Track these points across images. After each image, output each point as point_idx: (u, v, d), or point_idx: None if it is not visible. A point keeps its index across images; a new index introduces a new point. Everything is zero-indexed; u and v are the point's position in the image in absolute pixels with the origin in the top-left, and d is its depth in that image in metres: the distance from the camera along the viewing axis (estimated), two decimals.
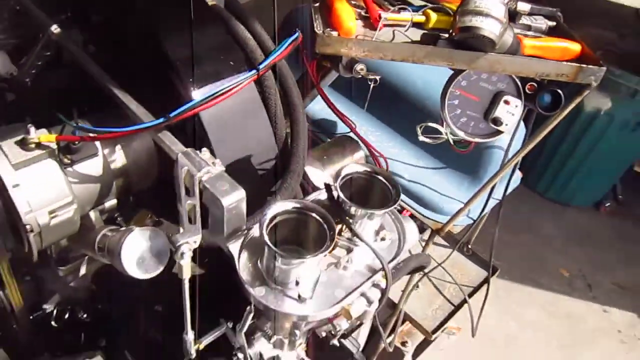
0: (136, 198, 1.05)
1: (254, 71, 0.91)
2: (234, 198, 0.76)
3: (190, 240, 0.69)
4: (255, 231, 0.84)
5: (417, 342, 2.15)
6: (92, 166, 0.94)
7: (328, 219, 0.77)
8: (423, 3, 1.13)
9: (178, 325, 0.96)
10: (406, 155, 1.89)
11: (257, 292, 0.76)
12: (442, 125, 1.25)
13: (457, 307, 2.05)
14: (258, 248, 0.82)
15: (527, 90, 1.15)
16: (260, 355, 0.87)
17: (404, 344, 2.07)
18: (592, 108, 2.80)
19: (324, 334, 0.92)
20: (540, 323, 2.67)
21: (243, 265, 0.80)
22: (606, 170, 3.09)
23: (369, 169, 0.89)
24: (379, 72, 1.18)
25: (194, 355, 0.83)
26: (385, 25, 1.07)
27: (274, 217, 0.78)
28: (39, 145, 0.86)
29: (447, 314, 2.02)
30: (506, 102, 1.14)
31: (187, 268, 0.70)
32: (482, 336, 2.41)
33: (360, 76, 1.15)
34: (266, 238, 0.73)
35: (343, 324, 0.89)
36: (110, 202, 1.00)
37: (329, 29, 1.03)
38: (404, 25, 1.10)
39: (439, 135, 1.27)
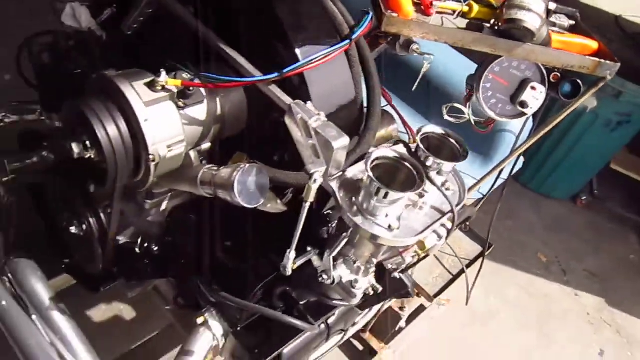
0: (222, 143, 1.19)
1: (347, 41, 1.07)
2: (341, 142, 0.92)
3: (319, 170, 0.85)
4: (348, 173, 1.00)
5: (413, 308, 2.35)
6: (199, 111, 1.08)
7: (418, 167, 0.94)
8: None
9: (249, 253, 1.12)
10: None
11: (357, 221, 0.92)
12: (466, 107, 1.44)
13: (455, 277, 2.25)
14: (351, 186, 0.98)
15: (551, 79, 1.34)
16: (340, 278, 1.04)
17: (401, 308, 2.27)
18: (579, 105, 3.04)
19: (389, 266, 1.10)
20: (518, 301, 2.91)
21: (341, 200, 0.96)
22: (585, 166, 3.34)
23: (443, 132, 1.06)
24: (406, 56, 1.35)
25: (289, 273, 0.98)
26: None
27: (374, 159, 0.94)
28: (163, 88, 1.00)
29: (445, 282, 2.22)
30: (533, 88, 1.31)
31: (314, 192, 0.86)
32: (466, 309, 2.64)
33: (415, 54, 1.32)
34: (370, 174, 0.90)
35: (407, 259, 1.07)
36: (206, 145, 1.14)
37: (389, 11, 1.19)
38: (448, 13, 1.26)
39: (461, 115, 1.46)
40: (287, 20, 1.03)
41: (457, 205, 1.04)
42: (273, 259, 1.18)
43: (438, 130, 1.06)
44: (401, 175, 0.97)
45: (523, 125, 1.84)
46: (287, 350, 1.19)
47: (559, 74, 1.33)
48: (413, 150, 1.04)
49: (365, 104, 1.17)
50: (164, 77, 0.98)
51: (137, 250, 1.25)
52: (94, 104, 0.97)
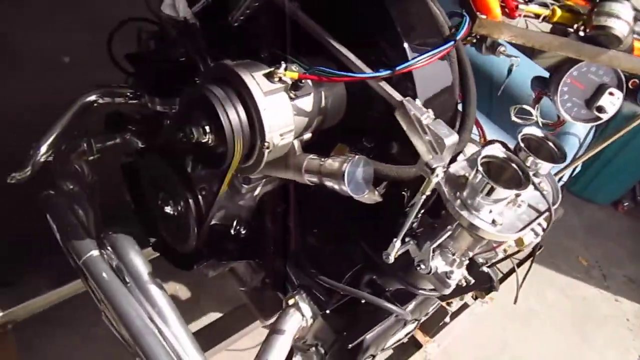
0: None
1: (453, 42, 1.11)
2: (452, 139, 0.97)
3: (440, 164, 0.90)
4: (451, 169, 1.05)
5: (460, 304, 2.40)
6: (306, 103, 1.13)
7: (523, 167, 0.99)
8: None
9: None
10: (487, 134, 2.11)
11: (465, 215, 0.97)
12: (534, 108, 1.48)
13: (506, 276, 2.29)
14: (454, 182, 1.03)
15: (629, 86, 1.37)
16: (436, 268, 1.09)
17: (449, 304, 2.31)
18: (627, 110, 3.04)
19: (481, 260, 1.15)
20: (558, 303, 2.94)
21: (448, 194, 1.01)
22: (629, 172, 3.34)
23: (542, 135, 1.10)
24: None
25: (392, 261, 1.04)
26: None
27: (483, 157, 0.99)
28: (280, 79, 1.05)
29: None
30: (611, 94, 1.35)
31: (433, 186, 0.91)
32: (506, 308, 2.68)
33: (501, 56, 1.37)
34: (482, 172, 0.95)
35: (500, 254, 1.12)
36: (307, 136, 1.19)
37: (478, 13, 1.23)
38: (530, 17, 1.29)
39: (528, 117, 1.50)
40: (398, 19, 1.08)
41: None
42: (362, 246, 1.24)
43: (538, 132, 1.10)
44: (506, 175, 1.01)
45: (589, 130, 1.87)
46: (369, 335, 1.24)
47: (637, 81, 1.36)
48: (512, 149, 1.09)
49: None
50: (282, 69, 1.03)
51: (232, 232, 1.31)
52: (217, 92, 1.03)
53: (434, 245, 1.05)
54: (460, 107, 1.23)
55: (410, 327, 1.42)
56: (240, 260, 1.44)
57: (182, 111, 1.09)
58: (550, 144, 1.10)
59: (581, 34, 1.31)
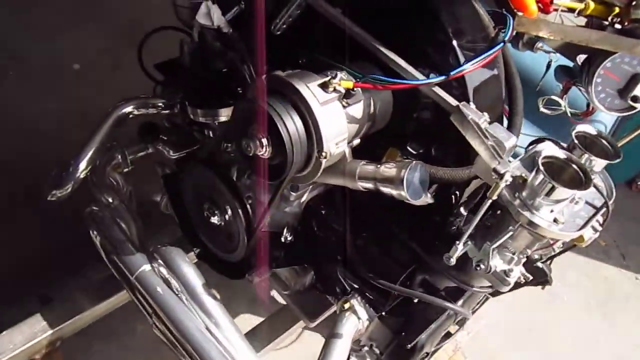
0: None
1: (502, 43, 1.12)
2: (512, 142, 0.98)
3: (509, 169, 0.91)
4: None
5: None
6: (357, 110, 1.14)
7: (584, 167, 1.00)
8: None
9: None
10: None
11: (527, 215, 0.99)
12: (562, 99, 1.50)
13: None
14: (512, 183, 1.04)
15: None
16: (495, 267, 1.10)
17: None
18: None
19: (536, 257, 1.16)
20: (579, 284, 2.97)
21: (508, 195, 1.02)
22: None
23: (595, 132, 1.11)
24: None
25: (454, 262, 1.05)
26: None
27: (544, 158, 1.00)
28: (334, 89, 1.06)
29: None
30: None
31: (500, 190, 0.92)
32: (531, 293, 2.70)
33: (539, 52, 1.38)
34: (544, 173, 0.96)
35: (557, 250, 1.14)
36: (356, 141, 1.20)
37: (516, 10, 1.23)
38: (563, 10, 1.29)
39: (556, 107, 1.51)
40: (449, 23, 1.08)
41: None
42: (411, 246, 1.26)
43: (592, 130, 1.11)
44: (565, 175, 1.02)
45: (616, 119, 1.88)
46: (425, 334, 1.26)
47: None
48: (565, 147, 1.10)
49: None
50: (338, 79, 1.04)
51: (281, 239, 1.33)
52: (274, 104, 1.03)
53: (495, 246, 1.06)
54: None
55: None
56: (289, 266, 1.45)
57: (236, 124, 1.09)
58: (604, 141, 1.11)
59: (617, 26, 1.32)
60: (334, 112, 1.07)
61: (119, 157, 1.67)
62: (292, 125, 1.03)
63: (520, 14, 1.24)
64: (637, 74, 1.36)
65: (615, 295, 2.96)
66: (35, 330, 1.53)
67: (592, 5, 1.30)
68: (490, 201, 0.96)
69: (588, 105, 1.61)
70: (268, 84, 1.09)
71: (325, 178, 1.23)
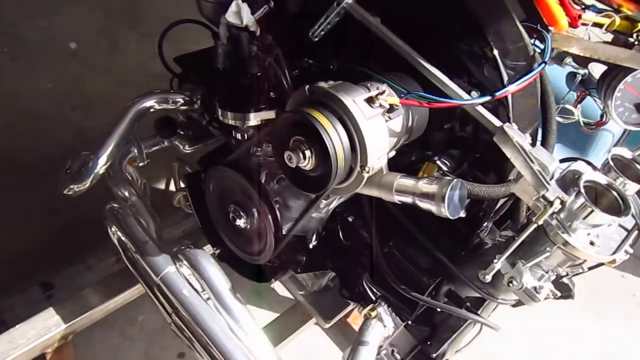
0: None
1: (543, 64, 1.13)
2: (554, 165, 1.00)
3: (559, 196, 0.93)
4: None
5: None
6: (397, 124, 1.14)
7: (623, 193, 1.02)
8: (592, 3, 1.33)
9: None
10: None
11: (566, 237, 1.01)
12: (576, 108, 1.53)
13: None
14: None
15: None
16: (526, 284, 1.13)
17: None
18: None
19: (563, 273, 1.19)
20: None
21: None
22: None
23: (630, 156, 1.14)
24: None
25: (489, 280, 1.07)
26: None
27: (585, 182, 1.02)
28: (380, 104, 1.06)
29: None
30: None
31: (547, 215, 0.94)
32: None
33: (567, 67, 1.40)
34: (586, 198, 0.98)
35: (585, 268, 1.17)
36: (392, 153, 1.21)
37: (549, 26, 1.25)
38: (588, 24, 1.31)
39: (569, 116, 1.54)
40: (494, 41, 1.08)
41: None
42: (439, 258, 1.28)
43: (627, 153, 1.14)
44: (603, 200, 1.05)
45: (625, 130, 1.92)
46: (447, 343, 1.29)
47: None
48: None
49: None
50: (386, 95, 1.04)
51: (308, 244, 1.33)
52: (319, 117, 1.03)
53: (530, 265, 1.08)
54: None
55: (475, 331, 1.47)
56: (313, 271, 1.46)
57: (279, 134, 1.08)
58: (638, 165, 1.14)
59: None
60: (378, 127, 1.06)
61: (135, 150, 1.64)
62: (337, 139, 1.03)
63: (552, 29, 1.25)
64: None
65: (602, 292, 3.05)
66: (48, 325, 1.52)
67: (618, 21, 1.32)
68: (535, 225, 0.97)
69: (602, 116, 1.65)
70: (311, 95, 1.08)
71: (361, 189, 1.23)
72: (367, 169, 1.06)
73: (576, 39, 1.31)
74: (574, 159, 1.19)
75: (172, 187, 1.88)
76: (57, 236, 2.29)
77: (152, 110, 1.54)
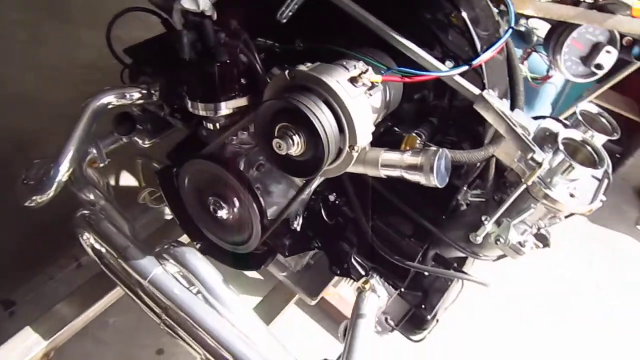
0: None
1: (510, 31, 1.17)
2: (534, 127, 1.06)
3: (544, 157, 0.98)
4: None
5: None
6: (377, 99, 1.15)
7: (598, 149, 1.09)
8: None
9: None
10: None
11: (549, 193, 1.07)
12: (522, 64, 1.63)
13: None
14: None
15: (624, 43, 1.51)
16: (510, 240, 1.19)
17: None
18: None
19: (543, 225, 1.27)
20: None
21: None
22: None
23: (596, 111, 1.21)
24: None
25: (480, 241, 1.13)
26: None
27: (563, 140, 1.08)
28: (363, 83, 1.06)
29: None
30: (607, 52, 1.49)
31: (536, 176, 0.99)
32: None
33: (521, 28, 1.47)
34: (566, 154, 1.04)
35: (562, 219, 1.25)
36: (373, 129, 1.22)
37: None
38: None
39: None
40: (468, 14, 1.11)
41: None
42: (424, 224, 1.32)
43: (594, 108, 1.21)
44: (579, 155, 1.11)
45: (566, 81, 2.03)
46: (439, 304, 1.35)
47: (631, 39, 1.51)
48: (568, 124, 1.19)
49: None
50: (369, 74, 1.04)
51: (292, 226, 1.34)
52: (305, 102, 1.02)
53: (515, 222, 1.14)
54: None
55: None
56: (299, 253, 1.46)
57: (263, 124, 1.07)
58: (603, 119, 1.22)
59: (589, 0, 1.42)
60: (362, 105, 1.07)
61: (94, 151, 1.57)
62: (326, 121, 1.03)
63: None
64: (599, 43, 1.48)
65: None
66: (28, 344, 1.44)
67: None
68: (524, 186, 1.02)
69: (548, 70, 1.74)
70: (292, 80, 1.06)
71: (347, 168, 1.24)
72: (356, 148, 1.07)
73: (530, 0, 1.37)
74: (542, 117, 1.25)
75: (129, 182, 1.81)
76: (10, 248, 2.16)
77: (109, 107, 1.46)
